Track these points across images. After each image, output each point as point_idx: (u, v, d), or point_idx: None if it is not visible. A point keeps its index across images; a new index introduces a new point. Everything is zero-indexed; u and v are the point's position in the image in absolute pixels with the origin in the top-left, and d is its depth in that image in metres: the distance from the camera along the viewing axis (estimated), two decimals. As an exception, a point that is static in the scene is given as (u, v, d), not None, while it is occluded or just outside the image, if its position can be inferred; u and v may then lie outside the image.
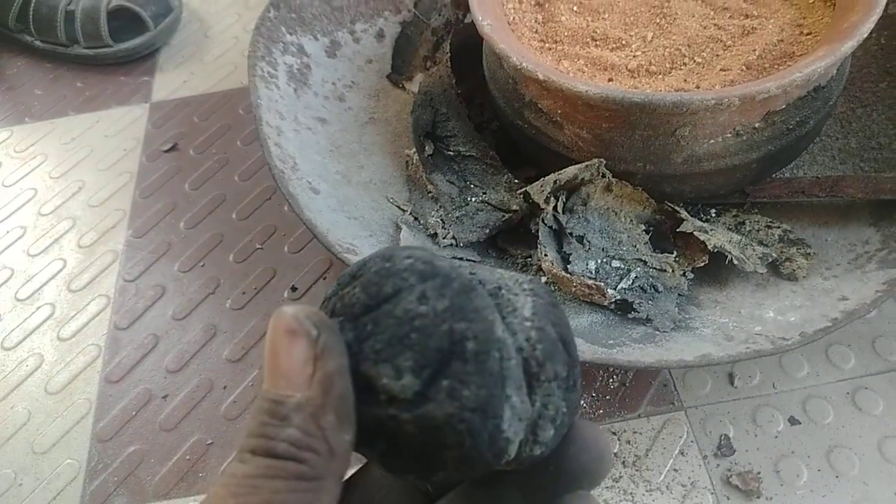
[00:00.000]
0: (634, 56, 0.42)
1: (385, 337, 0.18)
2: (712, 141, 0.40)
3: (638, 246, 0.43)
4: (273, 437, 0.17)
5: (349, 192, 0.48)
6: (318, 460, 0.17)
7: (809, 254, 0.43)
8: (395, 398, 0.18)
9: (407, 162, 0.50)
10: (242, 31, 0.72)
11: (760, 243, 0.44)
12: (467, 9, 0.56)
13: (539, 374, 0.19)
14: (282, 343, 0.18)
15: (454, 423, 0.18)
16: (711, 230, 0.43)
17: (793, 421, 0.42)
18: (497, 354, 0.19)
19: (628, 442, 0.42)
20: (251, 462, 0.17)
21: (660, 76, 0.41)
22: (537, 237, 0.42)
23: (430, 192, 0.48)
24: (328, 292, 0.21)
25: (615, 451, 0.41)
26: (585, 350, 0.37)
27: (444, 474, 0.20)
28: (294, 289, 0.51)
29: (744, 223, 0.45)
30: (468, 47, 0.52)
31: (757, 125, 0.40)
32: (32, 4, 0.68)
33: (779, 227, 0.45)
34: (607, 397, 0.43)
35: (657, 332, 0.40)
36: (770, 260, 0.42)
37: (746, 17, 0.44)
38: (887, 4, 0.47)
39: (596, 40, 0.44)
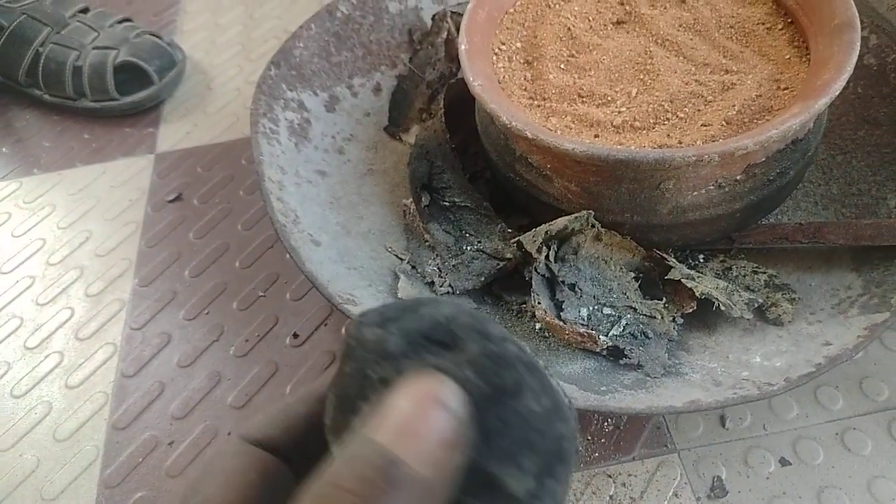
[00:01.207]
0: (619, 112, 0.44)
1: (514, 437, 0.18)
2: (696, 193, 0.42)
3: (628, 293, 0.44)
4: (375, 500, 0.15)
5: (349, 243, 0.49)
6: None
7: (794, 299, 0.45)
8: (513, 496, 0.18)
9: (404, 212, 0.52)
10: (244, 83, 0.75)
11: (747, 289, 0.45)
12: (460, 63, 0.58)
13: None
14: (427, 407, 0.16)
15: None
16: (699, 277, 0.44)
17: (784, 462, 0.43)
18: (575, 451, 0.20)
19: (623, 484, 0.43)
20: None
21: (644, 131, 0.43)
22: (531, 285, 0.44)
23: (427, 241, 0.50)
24: (389, 345, 0.19)
25: (611, 493, 0.42)
26: (579, 397, 0.38)
27: None
28: (296, 335, 0.52)
29: (730, 269, 0.47)
30: (462, 100, 0.54)
31: (738, 177, 0.42)
32: (42, 60, 0.71)
33: (764, 273, 0.46)
34: (602, 440, 0.45)
35: (648, 378, 0.41)
36: (756, 305, 0.44)
37: (726, 72, 0.46)
38: (861, 56, 0.50)
39: (583, 97, 0.46)
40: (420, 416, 0.16)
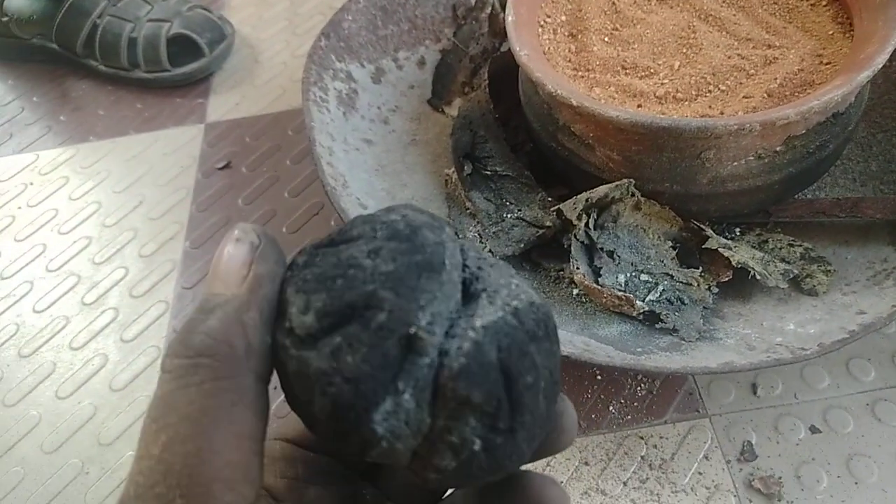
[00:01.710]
0: (662, 84, 0.45)
1: (317, 272, 0.18)
2: (736, 163, 0.43)
3: (665, 261, 0.46)
4: (193, 329, 0.18)
5: (393, 208, 0.51)
6: (233, 354, 0.18)
7: (830, 271, 0.45)
8: (293, 331, 0.18)
9: (446, 180, 0.54)
10: (290, 56, 0.77)
11: (783, 260, 0.46)
12: (503, 38, 0.60)
13: (449, 391, 0.18)
14: (226, 248, 0.19)
15: (323, 382, 0.17)
16: (735, 247, 0.45)
17: (814, 430, 0.44)
18: (401, 340, 0.17)
19: (655, 446, 0.44)
20: (169, 376, 0.17)
21: (686, 103, 0.44)
22: (569, 252, 0.45)
23: (468, 208, 0.51)
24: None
25: (642, 454, 0.44)
26: (615, 356, 0.40)
27: (320, 438, 0.19)
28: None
29: (767, 241, 0.48)
30: (504, 74, 0.55)
31: (778, 149, 0.42)
32: (99, 32, 0.74)
33: (801, 246, 0.47)
34: (635, 404, 0.46)
35: (683, 342, 0.42)
36: (791, 276, 0.45)
37: (769, 47, 0.47)
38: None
39: (626, 69, 0.47)
40: (220, 255, 0.19)
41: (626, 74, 0.47)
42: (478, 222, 0.51)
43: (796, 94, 0.44)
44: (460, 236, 0.50)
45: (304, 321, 0.18)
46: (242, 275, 0.19)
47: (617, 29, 0.50)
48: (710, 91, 0.45)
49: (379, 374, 0.17)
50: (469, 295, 0.19)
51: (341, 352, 0.17)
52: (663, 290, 0.44)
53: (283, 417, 0.38)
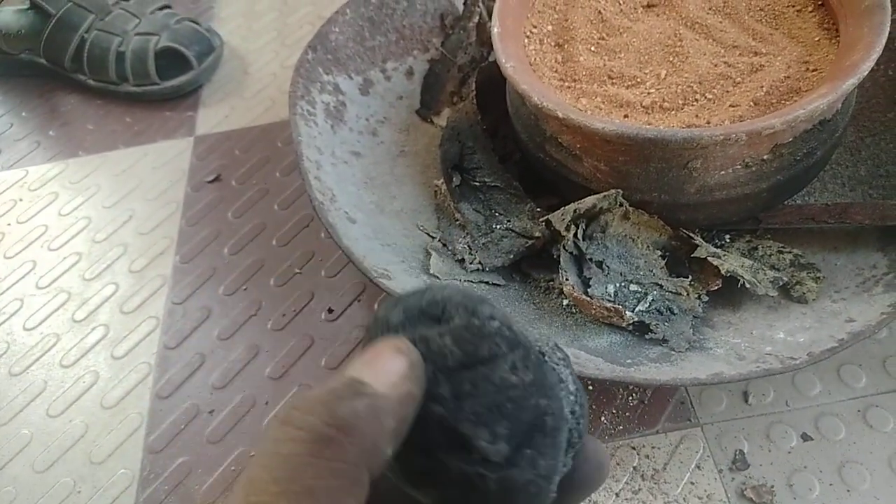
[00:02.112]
0: (649, 93, 0.45)
1: (485, 402, 0.20)
2: (723, 172, 0.43)
3: (654, 271, 0.45)
4: (342, 397, 0.18)
5: (382, 221, 0.51)
6: (364, 446, 0.18)
7: (819, 278, 0.45)
8: (488, 460, 0.20)
9: (436, 192, 0.54)
10: (280, 67, 0.77)
11: (772, 267, 0.46)
12: (491, 47, 0.60)
13: (575, 444, 0.22)
14: (386, 352, 0.20)
15: (530, 486, 0.20)
16: (724, 255, 0.45)
17: (805, 437, 0.43)
18: (565, 430, 0.21)
19: (647, 456, 0.44)
20: (299, 430, 0.17)
21: (673, 112, 0.44)
22: (559, 262, 0.45)
23: (457, 220, 0.51)
24: (392, 319, 0.22)
25: (634, 464, 0.44)
26: (605, 369, 0.40)
27: None
28: (330, 310, 0.54)
29: (756, 248, 0.48)
30: (493, 83, 0.55)
31: (765, 157, 0.42)
32: (87, 46, 0.73)
33: (790, 252, 0.47)
34: (627, 414, 0.46)
35: (673, 352, 0.42)
36: (781, 283, 0.45)
37: (755, 54, 0.47)
38: (892, 38, 0.50)
39: (612, 78, 0.47)
40: (379, 355, 0.20)
41: (612, 84, 0.47)
42: (467, 233, 0.51)
43: (783, 101, 0.44)
44: (449, 248, 0.50)
45: (499, 449, 0.20)
46: (395, 383, 0.19)
47: (603, 38, 0.50)
48: (696, 100, 0.45)
49: (557, 461, 0.21)
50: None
51: (536, 460, 0.20)
52: (653, 300, 0.44)
53: None
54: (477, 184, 0.53)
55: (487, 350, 0.20)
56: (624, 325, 0.43)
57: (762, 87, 0.44)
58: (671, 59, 0.48)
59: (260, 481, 0.17)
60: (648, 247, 0.46)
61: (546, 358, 0.22)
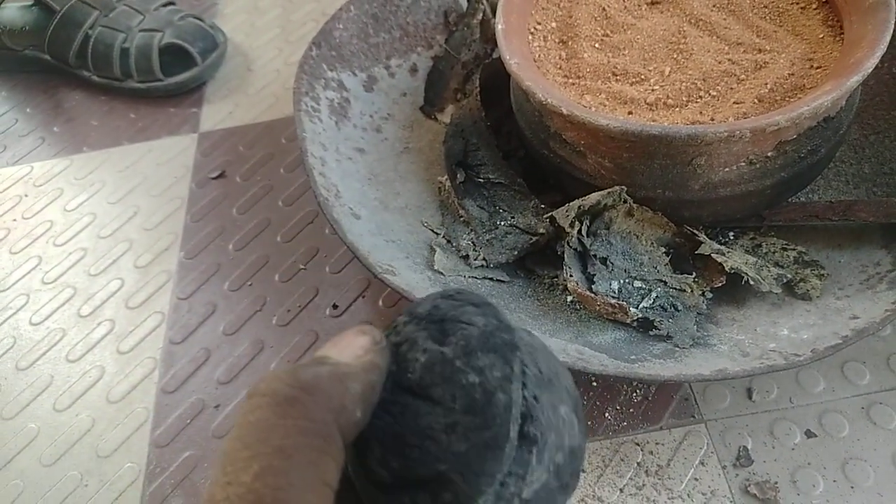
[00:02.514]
0: (653, 90, 0.45)
1: (397, 430, 0.20)
2: (727, 169, 0.43)
3: (658, 267, 0.46)
4: (304, 365, 0.19)
5: (387, 217, 0.51)
6: (331, 406, 0.18)
7: (823, 275, 0.45)
8: (372, 471, 0.21)
9: (440, 188, 0.54)
10: (283, 64, 0.77)
11: (776, 265, 0.46)
12: (495, 44, 0.60)
13: None
14: (350, 334, 0.21)
15: None
16: (728, 252, 0.45)
17: (809, 434, 0.44)
18: None
19: (651, 452, 0.44)
20: (263, 402, 0.18)
21: (676, 109, 0.44)
22: (563, 259, 0.45)
23: (461, 216, 0.51)
24: (406, 312, 0.23)
25: (638, 460, 0.44)
26: (609, 365, 0.40)
27: None
28: (335, 306, 0.54)
29: (760, 245, 0.48)
30: (496, 79, 0.55)
31: (769, 154, 0.42)
32: (91, 42, 0.74)
33: (794, 250, 0.47)
34: (631, 410, 0.46)
35: (677, 349, 0.43)
36: (785, 280, 0.45)
37: (759, 51, 0.47)
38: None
39: (616, 75, 0.47)
40: (343, 337, 0.21)
41: (616, 81, 0.47)
42: (471, 230, 0.51)
43: (787, 98, 0.44)
44: (453, 244, 0.50)
45: (381, 473, 0.20)
46: (358, 355, 0.20)
47: (607, 35, 0.50)
48: (700, 97, 0.45)
49: None
50: (523, 435, 0.21)
51: (472, 431, 0.20)
52: (657, 296, 0.44)
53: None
54: (481, 180, 0.53)
55: (438, 393, 0.20)
56: (628, 321, 0.44)
57: (766, 84, 0.44)
58: (675, 55, 0.48)
59: (233, 451, 0.17)
60: (652, 243, 0.46)
61: (524, 390, 0.21)
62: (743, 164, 0.42)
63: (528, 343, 0.22)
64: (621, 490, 0.43)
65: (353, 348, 0.21)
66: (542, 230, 0.48)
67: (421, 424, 0.20)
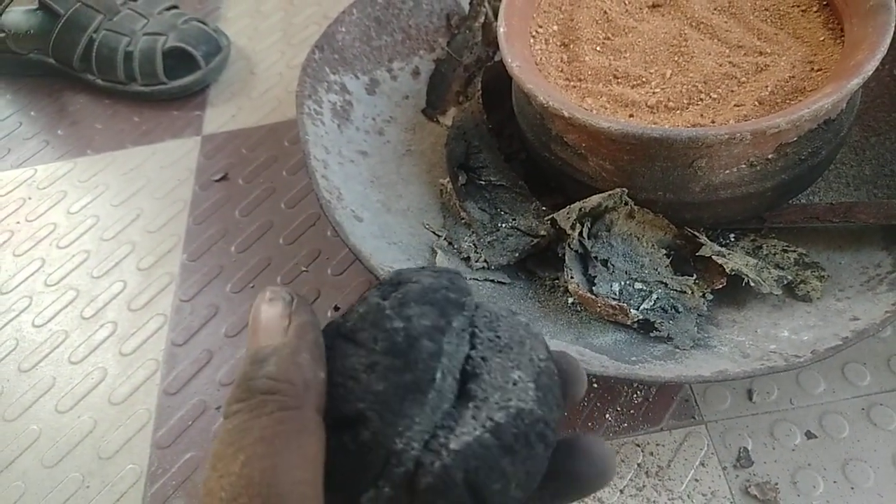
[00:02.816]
0: (654, 93, 0.46)
1: (328, 371, 0.21)
2: (728, 171, 0.43)
3: (659, 269, 0.46)
4: (254, 377, 0.20)
5: (389, 220, 0.51)
6: (295, 390, 0.20)
7: (823, 276, 0.45)
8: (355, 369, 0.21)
9: (441, 191, 0.54)
10: (286, 67, 0.77)
11: (777, 266, 0.46)
12: (497, 47, 0.60)
13: (419, 499, 0.20)
14: (261, 307, 0.22)
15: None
16: (729, 254, 0.45)
17: (809, 435, 0.44)
18: (382, 451, 0.20)
19: (651, 453, 0.44)
20: (238, 411, 0.19)
21: (677, 111, 0.45)
22: (564, 261, 0.46)
23: (463, 218, 0.52)
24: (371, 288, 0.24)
25: (639, 461, 0.44)
26: (610, 366, 0.40)
27: None
28: (337, 308, 0.55)
29: (761, 247, 0.48)
30: (498, 82, 0.56)
31: (770, 156, 0.43)
32: (95, 46, 0.74)
33: (794, 251, 0.47)
34: (631, 411, 0.46)
35: (677, 350, 0.43)
36: (785, 282, 0.45)
37: (760, 54, 0.47)
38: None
39: (618, 78, 0.47)
40: (256, 314, 0.22)
41: (617, 84, 0.47)
42: (473, 232, 0.51)
43: (788, 101, 0.44)
44: (455, 246, 0.50)
45: (367, 359, 0.21)
46: (283, 326, 0.21)
47: (609, 38, 0.50)
48: (701, 99, 0.45)
49: (361, 474, 0.20)
50: (464, 393, 0.21)
51: (334, 452, 0.20)
52: (657, 298, 0.45)
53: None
54: (482, 182, 0.53)
55: (364, 336, 0.21)
56: (629, 323, 0.44)
57: (767, 86, 0.44)
58: (676, 58, 0.48)
59: (219, 450, 0.19)
60: (653, 245, 0.46)
61: (472, 349, 0.21)
62: (744, 166, 0.43)
63: (492, 311, 0.23)
64: (621, 491, 0.43)
65: (274, 323, 0.21)
66: (543, 232, 0.48)
67: (346, 365, 0.21)
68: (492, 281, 0.48)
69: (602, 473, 0.23)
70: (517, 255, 0.49)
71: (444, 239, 0.51)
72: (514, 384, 0.21)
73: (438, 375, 0.20)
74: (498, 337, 0.22)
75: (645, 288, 0.45)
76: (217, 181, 0.66)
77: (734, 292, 0.46)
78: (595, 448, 0.23)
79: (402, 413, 0.20)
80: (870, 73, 0.40)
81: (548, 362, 0.22)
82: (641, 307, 0.44)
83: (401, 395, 0.20)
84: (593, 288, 0.45)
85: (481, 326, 0.22)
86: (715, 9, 0.51)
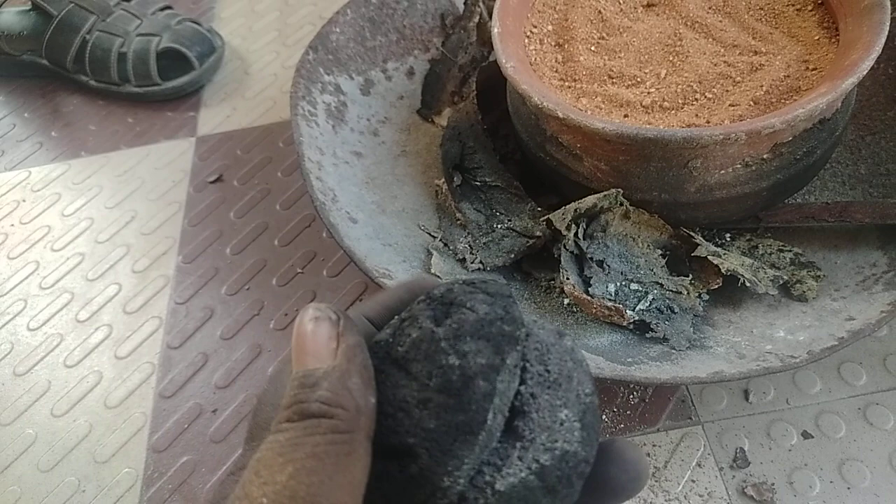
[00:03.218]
0: (649, 93, 0.46)
1: (378, 398, 0.21)
2: (723, 171, 0.43)
3: (655, 269, 0.46)
4: (306, 400, 0.20)
5: (384, 221, 0.51)
6: (348, 415, 0.20)
7: (819, 276, 0.45)
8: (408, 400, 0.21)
9: (437, 192, 0.54)
10: (280, 68, 0.77)
11: (772, 266, 0.46)
12: (492, 47, 0.60)
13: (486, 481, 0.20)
14: (307, 328, 0.21)
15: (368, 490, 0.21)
16: (725, 254, 0.45)
17: (806, 435, 0.44)
18: (427, 485, 0.20)
19: (648, 454, 0.44)
20: (290, 428, 0.19)
21: (672, 112, 0.44)
22: (560, 262, 0.45)
23: (458, 219, 0.51)
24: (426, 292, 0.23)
25: (635, 463, 0.44)
26: (605, 367, 0.40)
27: None
28: (332, 310, 0.54)
29: (757, 247, 0.48)
30: (493, 83, 0.55)
31: (765, 156, 0.43)
32: (89, 47, 0.74)
33: (790, 251, 0.47)
34: (628, 412, 0.46)
35: (673, 351, 0.43)
36: (781, 282, 0.45)
37: (755, 53, 0.47)
38: (892, 37, 0.50)
39: (612, 78, 0.47)
40: (302, 334, 0.21)
41: (612, 84, 0.47)
42: (468, 233, 0.51)
43: (783, 100, 0.44)
44: (450, 248, 0.50)
45: (416, 396, 0.21)
46: (332, 348, 0.21)
47: (603, 38, 0.50)
48: (696, 99, 0.45)
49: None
50: (511, 429, 0.21)
51: (378, 479, 0.20)
52: (653, 298, 0.45)
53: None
54: (478, 183, 0.53)
55: (417, 370, 0.21)
56: (624, 323, 0.44)
57: (762, 86, 0.44)
58: (671, 58, 0.48)
59: (267, 458, 0.19)
60: (649, 246, 0.46)
61: (522, 385, 0.21)
62: (739, 166, 0.42)
63: (542, 341, 0.22)
64: (619, 492, 0.43)
65: (322, 345, 0.21)
66: (538, 233, 0.48)
67: (397, 396, 0.21)
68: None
69: (636, 478, 0.23)
70: (513, 256, 0.48)
71: (440, 240, 0.51)
72: (561, 424, 0.21)
73: (490, 416, 0.20)
74: (548, 371, 0.22)
75: (641, 289, 0.45)
76: (212, 183, 0.66)
77: (730, 292, 0.46)
78: (628, 452, 0.23)
79: (452, 453, 0.20)
80: (865, 72, 0.40)
81: (592, 397, 0.22)
82: (637, 308, 0.44)
83: (452, 435, 0.20)
84: (589, 289, 0.45)
85: (532, 360, 0.22)
86: (709, 8, 0.50)
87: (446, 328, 0.21)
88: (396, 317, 0.23)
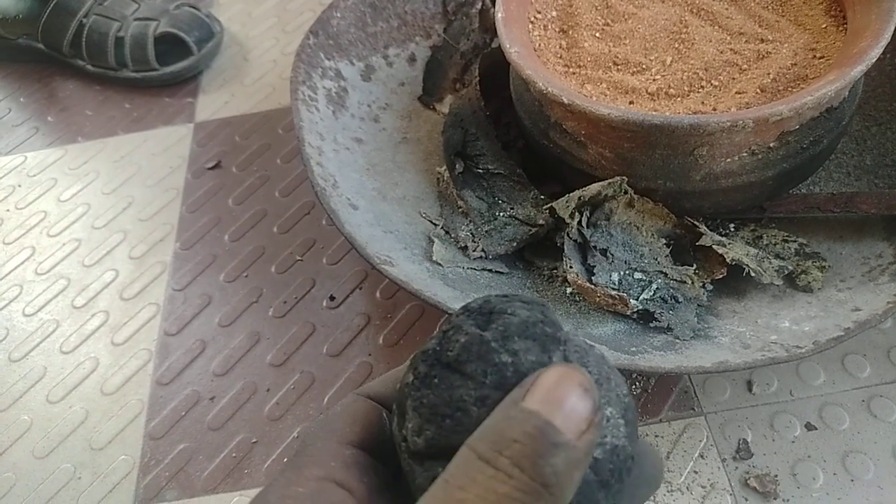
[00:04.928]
0: (654, 80, 0.45)
1: (433, 399, 0.21)
2: (729, 160, 0.42)
3: (659, 259, 0.45)
4: (544, 455, 0.18)
5: (385, 208, 0.51)
6: (564, 498, 0.18)
7: (824, 267, 0.45)
8: (407, 440, 0.21)
9: (438, 179, 0.53)
10: (280, 54, 0.76)
11: (777, 256, 0.46)
12: (495, 33, 0.59)
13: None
14: (574, 390, 0.19)
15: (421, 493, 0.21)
16: (729, 244, 0.45)
17: (809, 427, 0.43)
18: None
19: (650, 445, 0.44)
20: (514, 479, 0.18)
21: (678, 99, 0.44)
22: (563, 250, 0.45)
23: (460, 207, 0.51)
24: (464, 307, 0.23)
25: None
26: (609, 357, 0.39)
27: None
28: (332, 298, 0.54)
29: (761, 237, 0.47)
30: (496, 69, 0.55)
31: (772, 145, 0.42)
32: (85, 31, 0.73)
33: (795, 241, 0.47)
34: (630, 403, 0.46)
35: (677, 341, 0.42)
36: (786, 272, 0.44)
37: (762, 41, 0.46)
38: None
39: (617, 65, 0.47)
40: (567, 391, 0.19)
41: (617, 70, 0.47)
42: (470, 221, 0.50)
43: (789, 88, 0.43)
44: (452, 235, 0.50)
45: (417, 442, 0.21)
46: (582, 429, 0.19)
47: (608, 24, 0.49)
48: (702, 87, 0.44)
49: None
50: None
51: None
52: (657, 288, 0.44)
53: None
54: (480, 171, 0.52)
55: (472, 368, 0.21)
56: (628, 313, 0.43)
57: (769, 74, 0.44)
58: (677, 45, 0.47)
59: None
60: (653, 235, 0.46)
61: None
62: (745, 154, 0.42)
63: (580, 345, 0.23)
64: (620, 483, 0.42)
65: (579, 419, 0.19)
66: (541, 221, 0.47)
67: (454, 396, 0.21)
68: (490, 271, 0.48)
69: (655, 477, 0.23)
70: (515, 244, 0.48)
71: (441, 228, 0.50)
72: (608, 420, 0.21)
73: None
74: (589, 372, 0.22)
75: (644, 278, 0.44)
76: (210, 169, 0.66)
77: (734, 282, 0.45)
78: (648, 453, 0.23)
79: None
80: (873, 61, 0.40)
81: (629, 398, 0.23)
82: (641, 297, 0.44)
83: None
84: (592, 278, 0.44)
85: (573, 360, 0.22)
86: (716, -5, 0.50)
87: (493, 331, 0.22)
88: (438, 328, 0.23)
